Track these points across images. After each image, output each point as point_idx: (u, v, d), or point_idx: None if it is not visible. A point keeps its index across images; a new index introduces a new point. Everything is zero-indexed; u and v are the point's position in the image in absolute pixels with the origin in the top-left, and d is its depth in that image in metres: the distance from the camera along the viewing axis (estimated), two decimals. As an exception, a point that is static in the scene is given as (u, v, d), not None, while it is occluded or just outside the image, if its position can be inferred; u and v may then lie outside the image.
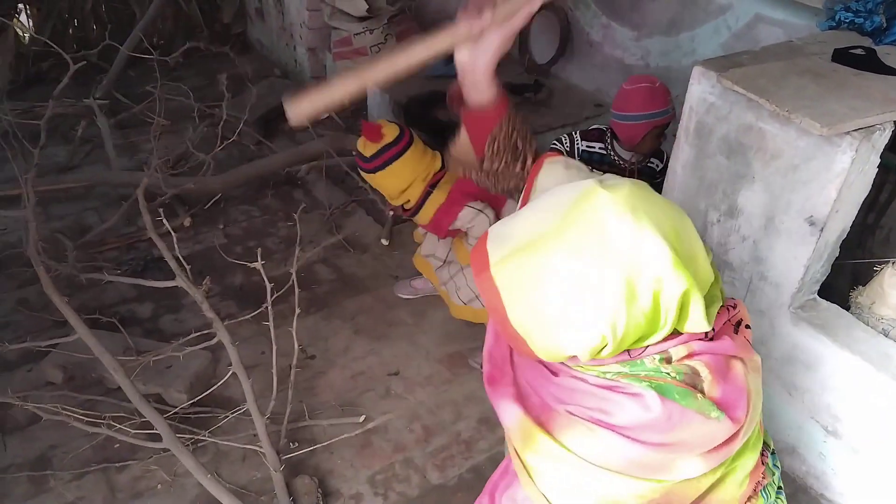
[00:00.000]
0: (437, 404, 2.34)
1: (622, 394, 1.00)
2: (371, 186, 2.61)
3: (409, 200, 2.47)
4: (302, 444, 2.12)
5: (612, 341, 0.95)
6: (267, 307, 2.01)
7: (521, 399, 1.10)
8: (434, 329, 2.66)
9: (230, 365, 2.05)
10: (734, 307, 1.17)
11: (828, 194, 1.64)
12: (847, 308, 1.90)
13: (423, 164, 2.43)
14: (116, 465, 2.08)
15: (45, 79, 4.16)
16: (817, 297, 1.89)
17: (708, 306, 1.02)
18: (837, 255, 1.82)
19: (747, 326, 1.16)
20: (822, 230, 1.69)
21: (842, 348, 1.77)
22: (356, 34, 3.74)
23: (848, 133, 1.55)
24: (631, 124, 2.44)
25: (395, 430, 2.23)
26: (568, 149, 2.71)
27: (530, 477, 1.07)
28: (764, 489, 1.22)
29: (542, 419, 1.06)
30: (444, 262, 2.62)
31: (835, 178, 1.61)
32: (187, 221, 3.13)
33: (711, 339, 1.07)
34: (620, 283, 0.91)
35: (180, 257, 2.16)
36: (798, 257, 1.77)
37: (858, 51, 1.78)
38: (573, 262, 0.92)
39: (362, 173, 2.48)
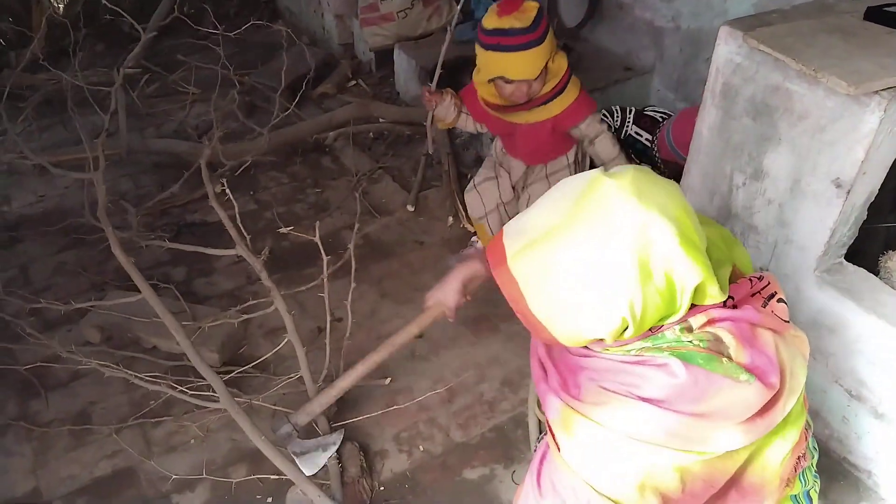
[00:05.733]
0: (461, 366, 2.37)
1: (649, 366, 1.03)
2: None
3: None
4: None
5: (633, 322, 0.99)
6: (323, 279, 2.10)
7: (564, 387, 1.15)
8: (459, 293, 2.68)
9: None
10: (760, 279, 1.16)
11: (855, 156, 1.61)
12: (876, 273, 1.88)
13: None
14: (152, 420, 2.16)
15: (80, 48, 4.22)
16: (844, 260, 1.87)
17: (716, 269, 1.03)
18: (866, 218, 1.79)
19: (780, 300, 1.15)
20: (848, 193, 1.66)
21: (867, 312, 1.75)
22: (383, 0, 3.72)
23: (876, 92, 1.51)
24: (678, 161, 2.33)
25: (420, 391, 2.28)
26: (617, 124, 2.64)
27: (569, 465, 1.10)
28: (802, 473, 1.22)
29: (579, 399, 1.10)
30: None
31: (862, 139, 1.58)
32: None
33: (733, 308, 1.08)
34: (633, 264, 0.95)
35: (241, 227, 2.23)
36: (824, 220, 1.75)
37: (892, 9, 1.73)
38: (585, 249, 0.97)
39: None
